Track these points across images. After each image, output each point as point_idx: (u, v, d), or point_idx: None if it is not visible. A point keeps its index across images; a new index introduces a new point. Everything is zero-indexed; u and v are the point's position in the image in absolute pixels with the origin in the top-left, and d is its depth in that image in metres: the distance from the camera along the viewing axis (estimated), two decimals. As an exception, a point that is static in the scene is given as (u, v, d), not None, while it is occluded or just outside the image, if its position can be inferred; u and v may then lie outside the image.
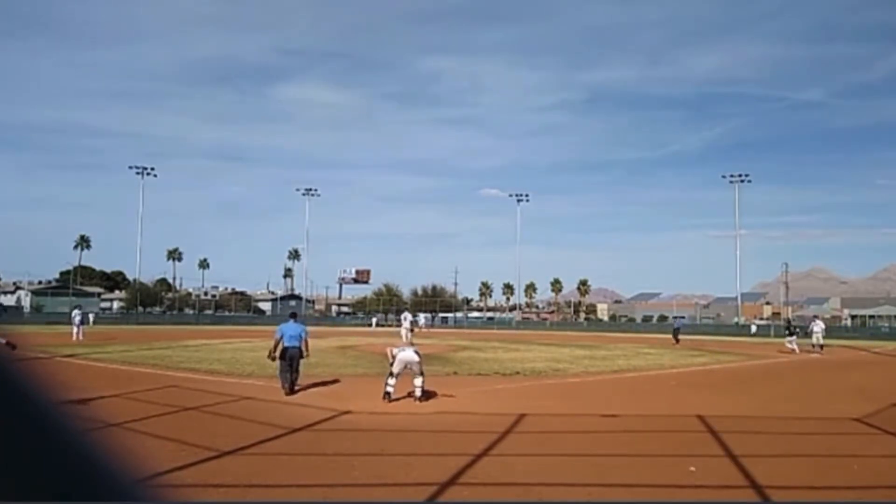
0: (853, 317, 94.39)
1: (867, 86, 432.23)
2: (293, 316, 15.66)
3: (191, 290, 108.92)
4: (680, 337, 38.21)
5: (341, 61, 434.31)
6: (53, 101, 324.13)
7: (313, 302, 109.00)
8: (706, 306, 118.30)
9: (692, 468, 7.38)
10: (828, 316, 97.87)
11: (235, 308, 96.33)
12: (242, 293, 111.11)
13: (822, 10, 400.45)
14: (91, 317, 33.94)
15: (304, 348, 13.55)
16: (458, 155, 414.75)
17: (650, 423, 10.60)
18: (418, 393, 12.39)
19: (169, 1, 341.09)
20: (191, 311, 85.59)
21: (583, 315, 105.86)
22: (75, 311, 34.59)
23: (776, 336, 53.59)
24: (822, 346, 30.36)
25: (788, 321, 43.18)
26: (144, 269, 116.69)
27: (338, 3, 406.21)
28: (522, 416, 10.89)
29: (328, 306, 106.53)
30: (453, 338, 41.67)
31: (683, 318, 42.75)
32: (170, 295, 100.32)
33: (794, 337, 31.61)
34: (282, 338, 13.46)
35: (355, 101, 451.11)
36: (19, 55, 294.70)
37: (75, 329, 32.61)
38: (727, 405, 12.85)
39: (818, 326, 31.61)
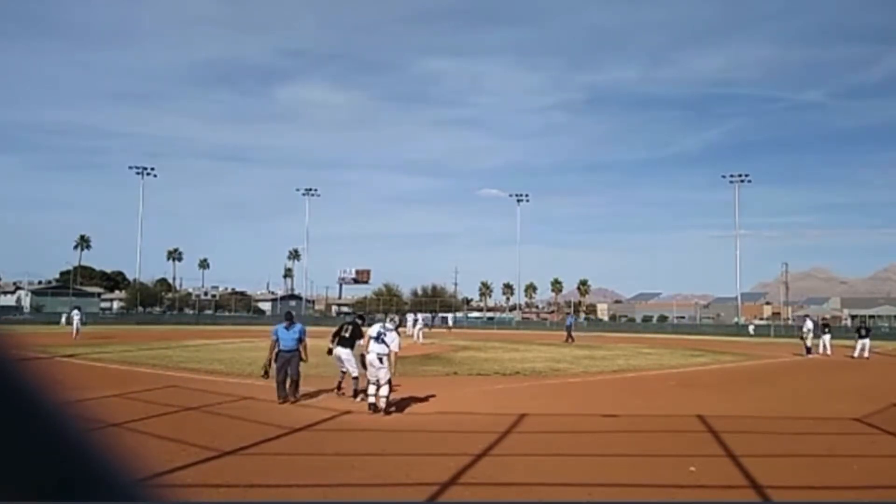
0: (853, 317, 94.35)
1: (866, 86, 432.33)
2: (288, 316, 13.34)
3: (191, 290, 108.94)
4: (574, 334, 39.99)
5: (342, 62, 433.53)
6: (54, 102, 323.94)
7: (313, 302, 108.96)
8: (706, 306, 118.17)
9: (692, 468, 7.37)
10: (828, 316, 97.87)
11: (235, 308, 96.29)
12: (242, 293, 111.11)
13: (820, 12, 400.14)
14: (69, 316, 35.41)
15: (302, 352, 12.39)
16: (458, 155, 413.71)
17: (651, 423, 10.59)
18: (382, 404, 10.96)
19: (170, 2, 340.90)
20: (191, 311, 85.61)
21: (583, 315, 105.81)
22: (75, 311, 35.74)
23: (776, 336, 53.75)
24: (808, 350, 27.72)
25: None
26: (144, 269, 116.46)
27: (339, 5, 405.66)
28: (523, 416, 10.89)
29: (328, 306, 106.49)
30: (453, 338, 41.66)
31: (573, 316, 53.19)
32: (170, 295, 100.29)
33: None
34: (277, 340, 12.42)
35: (356, 101, 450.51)
36: (20, 56, 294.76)
37: (74, 328, 33.55)
38: (727, 405, 12.84)
39: (806, 326, 28.99)
